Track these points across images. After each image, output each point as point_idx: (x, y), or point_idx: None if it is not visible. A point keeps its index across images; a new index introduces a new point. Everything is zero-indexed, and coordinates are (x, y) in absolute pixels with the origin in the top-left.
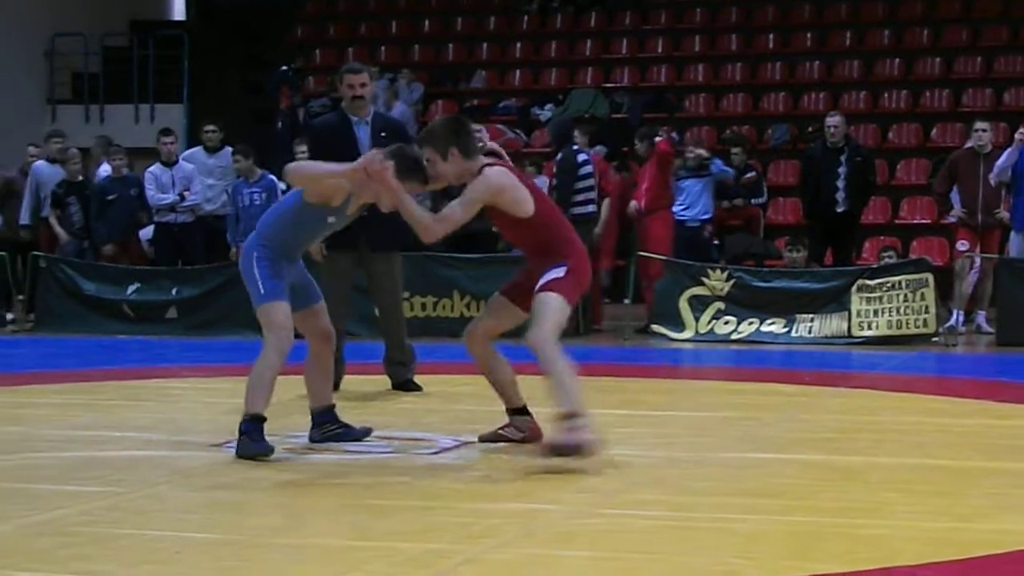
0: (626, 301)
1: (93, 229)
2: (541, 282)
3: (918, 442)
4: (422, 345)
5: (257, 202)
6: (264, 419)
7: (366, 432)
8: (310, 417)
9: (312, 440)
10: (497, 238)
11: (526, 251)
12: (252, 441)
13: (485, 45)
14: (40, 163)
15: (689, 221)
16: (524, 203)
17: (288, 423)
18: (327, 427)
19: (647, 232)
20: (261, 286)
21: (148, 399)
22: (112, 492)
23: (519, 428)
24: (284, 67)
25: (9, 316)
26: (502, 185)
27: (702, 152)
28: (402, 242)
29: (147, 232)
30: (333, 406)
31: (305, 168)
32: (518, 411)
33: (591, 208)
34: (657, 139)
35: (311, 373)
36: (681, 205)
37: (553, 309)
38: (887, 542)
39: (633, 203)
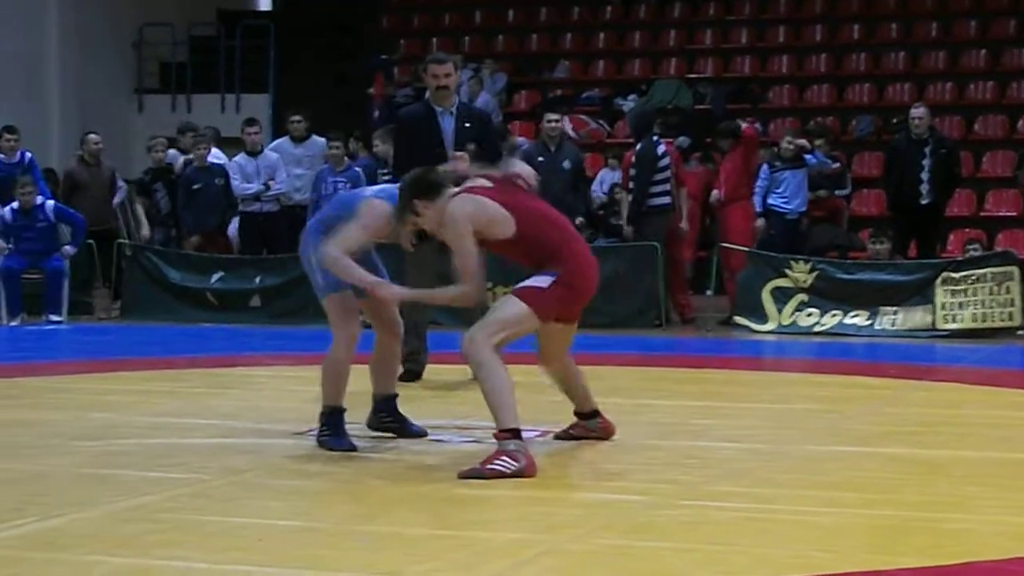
0: (708, 292)
1: (180, 218)
2: (518, 284)
3: (1003, 436)
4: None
5: (341, 191)
6: (342, 410)
7: (421, 433)
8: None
9: (368, 426)
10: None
11: (523, 266)
12: (333, 436)
13: (569, 35)
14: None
15: (789, 213)
16: (500, 224)
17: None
18: (383, 417)
19: (727, 222)
20: (320, 277)
21: (232, 387)
22: (197, 479)
23: (590, 429)
24: (381, 56)
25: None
26: (465, 214)
27: (802, 142)
28: None
29: (234, 223)
30: (394, 396)
31: (340, 264)
32: (587, 415)
33: (667, 200)
34: (743, 124)
35: (376, 362)
36: (780, 197)
37: (508, 315)
38: (971, 537)
39: (715, 192)
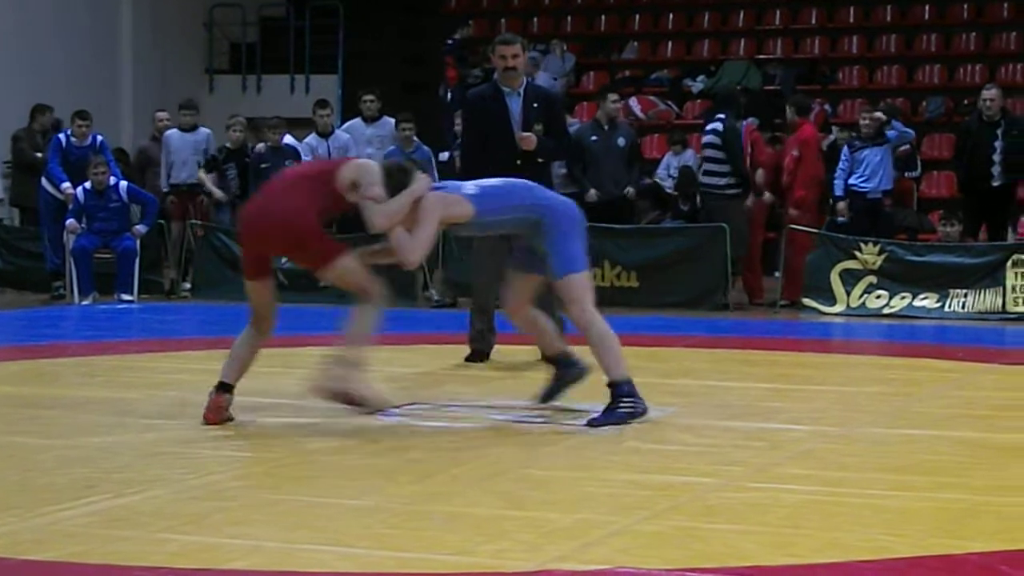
0: (776, 274)
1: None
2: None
3: None
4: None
5: None
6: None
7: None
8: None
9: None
10: (641, 210)
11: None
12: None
13: (637, 16)
14: (172, 131)
15: (870, 193)
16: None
17: (440, 392)
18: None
19: (791, 204)
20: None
21: (301, 366)
22: (267, 458)
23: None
24: (449, 40)
25: (185, 284)
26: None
27: (879, 115)
28: None
29: None
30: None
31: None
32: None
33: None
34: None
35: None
36: (860, 177)
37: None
38: None
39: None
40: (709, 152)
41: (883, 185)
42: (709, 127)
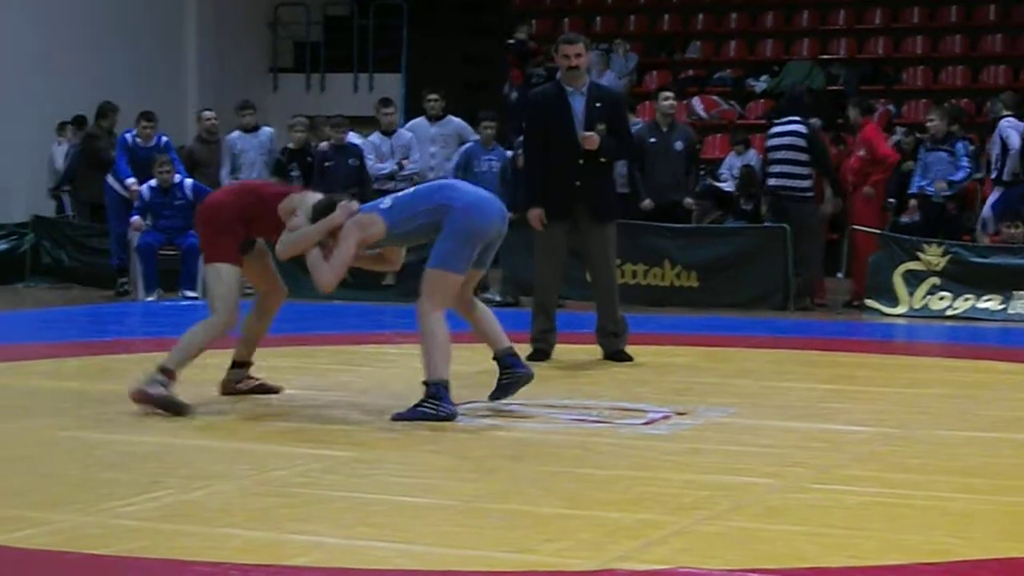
0: (839, 275)
1: None
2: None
3: None
4: (633, 315)
5: (495, 170)
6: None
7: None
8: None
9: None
10: (702, 210)
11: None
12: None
13: (700, 15)
14: (235, 133)
15: (934, 196)
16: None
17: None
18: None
19: (857, 205)
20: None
21: (363, 364)
22: (327, 455)
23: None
24: (510, 40)
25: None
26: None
27: (937, 123)
28: (618, 213)
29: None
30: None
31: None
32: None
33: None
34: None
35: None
36: (925, 179)
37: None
38: None
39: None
40: (788, 154)
41: (947, 190)
42: (786, 128)
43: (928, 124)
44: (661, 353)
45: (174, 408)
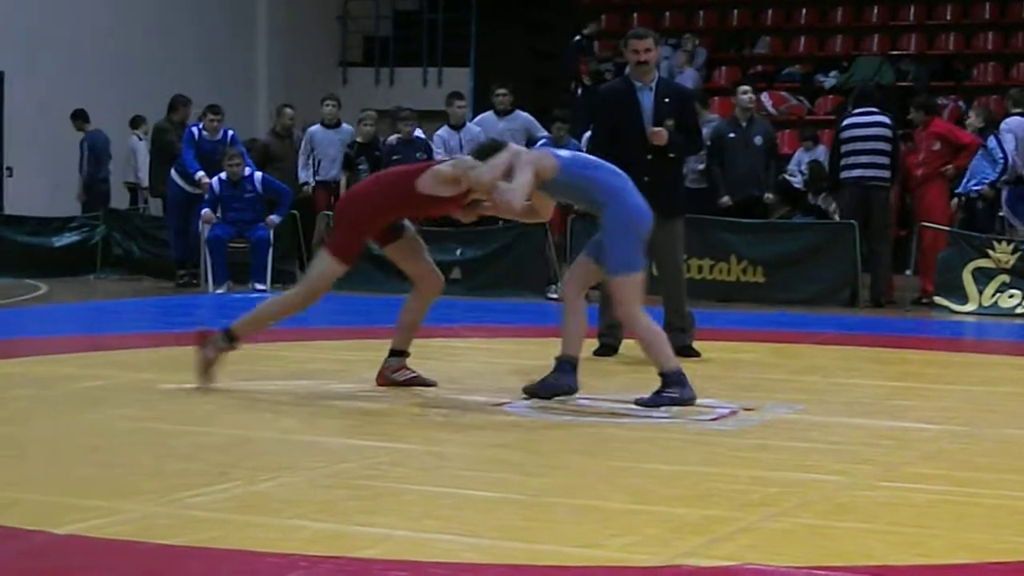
0: (908, 272)
1: None
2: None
3: None
4: (699, 311)
5: None
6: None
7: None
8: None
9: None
10: (770, 208)
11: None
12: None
13: (770, 10)
14: (315, 127)
15: (970, 193)
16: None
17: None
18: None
19: (925, 201)
20: None
21: (431, 357)
22: (395, 448)
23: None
24: (578, 36)
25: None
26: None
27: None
28: (686, 208)
29: None
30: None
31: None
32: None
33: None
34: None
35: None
36: (972, 180)
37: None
38: None
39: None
40: (876, 144)
41: (974, 185)
42: (871, 119)
43: (967, 123)
44: (728, 349)
45: (201, 377)
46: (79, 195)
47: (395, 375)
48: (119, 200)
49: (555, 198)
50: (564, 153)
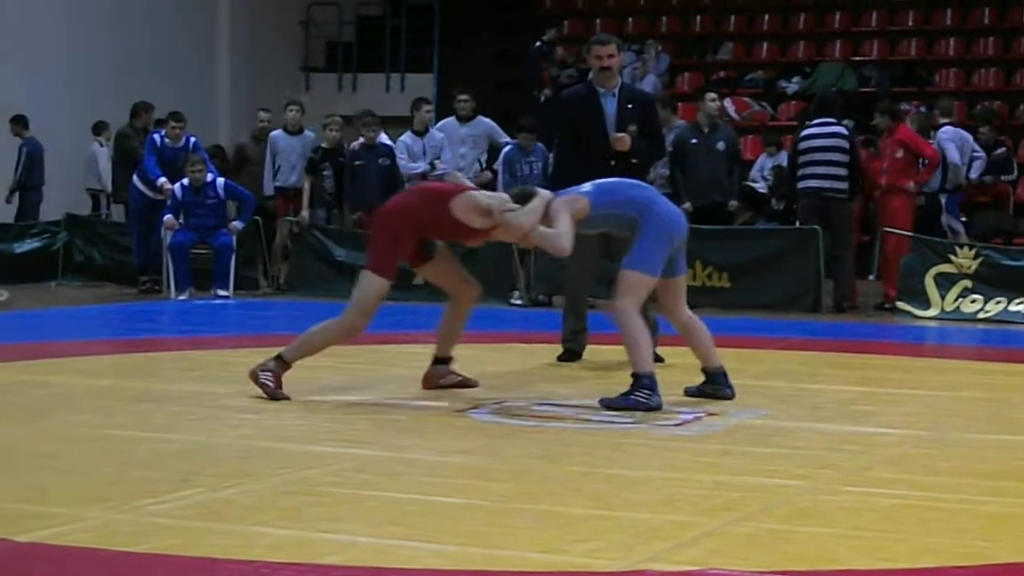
0: (871, 277)
1: (345, 195)
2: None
3: None
4: (663, 317)
5: (536, 171)
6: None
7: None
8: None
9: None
10: (733, 214)
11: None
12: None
13: (733, 16)
14: (277, 132)
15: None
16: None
17: (532, 391)
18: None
19: (885, 208)
20: None
21: (394, 364)
22: (358, 454)
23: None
24: (538, 42)
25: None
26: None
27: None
28: None
29: None
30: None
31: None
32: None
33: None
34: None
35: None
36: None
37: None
38: None
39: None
40: (831, 155)
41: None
42: (827, 129)
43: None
44: (692, 354)
45: (270, 395)
46: (6, 198)
47: (442, 381)
48: (81, 207)
49: (593, 231)
50: (586, 187)
